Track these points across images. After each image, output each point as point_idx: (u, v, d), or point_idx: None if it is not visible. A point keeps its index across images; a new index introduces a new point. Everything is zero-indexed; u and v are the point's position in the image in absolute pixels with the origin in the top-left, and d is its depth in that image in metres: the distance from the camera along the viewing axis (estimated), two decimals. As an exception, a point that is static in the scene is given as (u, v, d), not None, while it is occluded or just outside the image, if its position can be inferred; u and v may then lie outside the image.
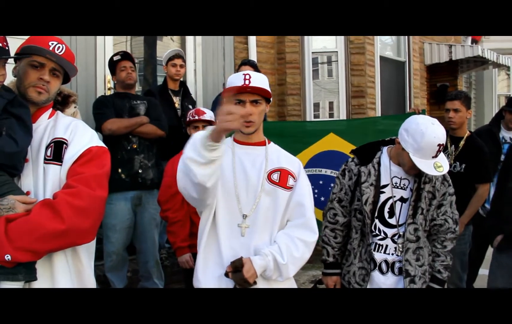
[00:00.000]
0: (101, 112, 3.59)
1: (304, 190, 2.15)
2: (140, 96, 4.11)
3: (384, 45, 7.30)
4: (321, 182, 3.94)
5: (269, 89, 2.12)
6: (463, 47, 8.10)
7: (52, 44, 1.80)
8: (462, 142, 3.61)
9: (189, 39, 5.52)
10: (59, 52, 1.80)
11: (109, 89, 4.64)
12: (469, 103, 3.69)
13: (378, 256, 2.53)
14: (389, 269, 2.52)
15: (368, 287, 2.52)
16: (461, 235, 3.46)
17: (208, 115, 3.34)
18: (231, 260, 2.02)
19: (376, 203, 2.53)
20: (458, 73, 8.85)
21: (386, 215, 2.54)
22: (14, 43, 1.84)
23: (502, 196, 3.18)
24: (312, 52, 6.39)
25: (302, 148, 3.98)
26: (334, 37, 6.38)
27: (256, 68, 4.68)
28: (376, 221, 2.54)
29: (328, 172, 3.93)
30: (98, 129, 3.49)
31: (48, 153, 1.75)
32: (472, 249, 3.79)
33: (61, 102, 2.01)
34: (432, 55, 8.36)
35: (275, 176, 2.13)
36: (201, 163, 1.79)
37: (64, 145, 1.76)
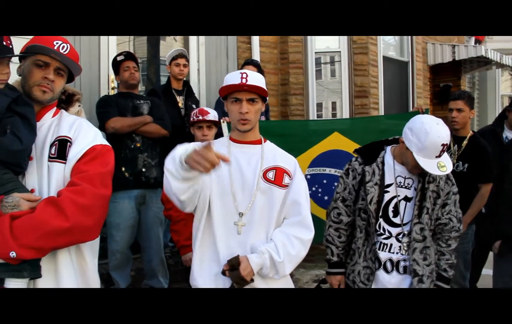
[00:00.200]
0: (104, 111, 3.60)
1: (300, 188, 2.17)
2: (143, 96, 4.12)
3: (387, 45, 7.29)
4: (325, 181, 3.93)
5: (265, 88, 2.15)
6: (466, 47, 8.08)
7: (57, 43, 1.81)
8: (465, 142, 3.61)
9: (193, 38, 5.53)
10: (64, 52, 1.81)
11: (112, 88, 4.66)
12: (472, 103, 3.69)
13: (383, 255, 2.53)
14: (394, 268, 2.52)
15: (373, 286, 2.52)
16: (464, 235, 3.45)
17: (212, 115, 3.35)
18: (227, 258, 2.03)
19: (381, 203, 2.54)
20: (461, 73, 8.83)
21: (391, 214, 2.54)
22: (19, 42, 1.86)
23: (499, 197, 3.19)
24: (315, 52, 6.39)
25: (306, 148, 3.98)
26: (337, 37, 6.38)
27: (259, 68, 4.69)
28: (381, 220, 2.55)
29: (332, 171, 3.93)
30: (101, 127, 3.51)
31: (53, 151, 1.76)
32: (475, 248, 3.78)
33: (66, 101, 2.03)
34: (435, 55, 8.34)
35: (271, 175, 2.14)
36: (177, 178, 1.83)
37: (68, 143, 1.78)
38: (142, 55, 5.37)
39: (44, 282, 1.68)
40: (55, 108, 1.90)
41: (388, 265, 2.53)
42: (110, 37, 4.79)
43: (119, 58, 3.82)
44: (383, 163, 2.58)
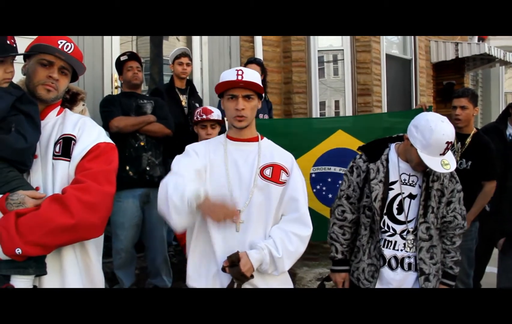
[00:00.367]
0: (108, 110, 3.62)
1: (297, 185, 2.17)
2: (147, 96, 4.14)
3: (390, 43, 7.28)
4: (329, 179, 3.94)
5: (261, 85, 2.16)
6: (469, 45, 8.06)
7: (61, 42, 1.82)
8: (468, 139, 3.61)
9: (195, 38, 5.54)
10: (68, 51, 1.83)
11: (116, 88, 4.68)
12: (476, 100, 3.69)
13: (387, 252, 2.53)
14: (399, 265, 2.52)
15: (377, 283, 2.53)
16: (467, 232, 3.44)
17: (215, 114, 3.35)
18: (225, 256, 2.04)
19: (385, 200, 2.54)
20: (465, 71, 8.80)
21: (395, 211, 2.54)
22: (24, 42, 1.87)
23: (502, 195, 3.19)
24: (318, 51, 6.39)
25: (310, 146, 3.98)
26: (340, 35, 6.39)
27: (262, 66, 4.70)
28: (385, 217, 2.55)
29: (337, 169, 3.93)
30: (105, 126, 3.52)
31: (57, 149, 1.77)
32: (478, 246, 3.78)
33: (70, 100, 2.04)
34: (439, 53, 8.32)
35: (268, 172, 2.15)
36: (180, 214, 1.85)
37: (73, 141, 1.79)
38: (145, 55, 5.38)
39: (50, 278, 1.69)
40: (59, 107, 1.91)
41: (393, 262, 2.53)
42: (113, 37, 4.80)
43: (122, 58, 3.84)
44: (387, 160, 2.58)
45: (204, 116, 3.34)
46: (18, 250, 1.55)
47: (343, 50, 6.44)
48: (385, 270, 2.53)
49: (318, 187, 3.98)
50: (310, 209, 3.84)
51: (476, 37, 9.28)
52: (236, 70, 2.11)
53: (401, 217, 2.54)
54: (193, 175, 2.03)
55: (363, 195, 2.61)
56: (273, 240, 2.07)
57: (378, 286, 2.53)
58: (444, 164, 2.36)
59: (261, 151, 2.19)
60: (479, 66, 9.09)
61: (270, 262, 2.05)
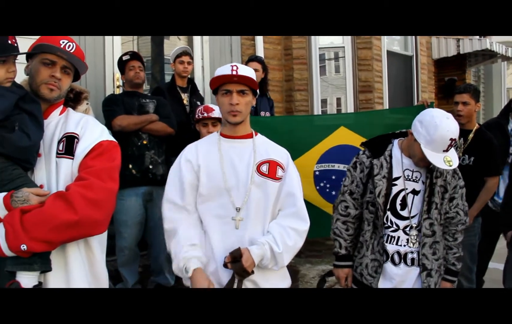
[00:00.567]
0: (111, 109, 3.63)
1: (293, 180, 2.19)
2: (149, 95, 4.15)
3: (391, 40, 7.26)
4: (333, 177, 3.93)
5: (255, 80, 2.16)
6: (471, 41, 8.04)
7: (63, 42, 1.84)
8: (471, 135, 3.60)
9: (196, 36, 5.54)
10: (70, 50, 1.84)
11: (118, 87, 4.69)
12: (478, 96, 3.68)
13: (391, 248, 2.54)
14: (402, 260, 2.53)
15: (380, 278, 2.54)
16: (470, 227, 3.45)
17: (217, 112, 3.36)
18: (224, 254, 2.07)
19: (389, 196, 2.54)
20: (466, 67, 8.79)
21: (398, 207, 2.55)
22: (26, 42, 1.88)
23: (510, 188, 3.18)
24: (319, 48, 6.39)
25: (313, 143, 3.97)
26: (340, 32, 6.37)
27: (263, 64, 4.70)
28: (388, 213, 2.56)
29: (341, 166, 3.91)
30: (108, 125, 3.53)
31: (60, 148, 1.79)
32: (481, 241, 3.78)
33: (74, 99, 2.05)
34: (440, 49, 8.31)
35: (264, 168, 2.17)
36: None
37: (76, 139, 1.80)
38: (146, 54, 5.38)
39: (54, 275, 1.71)
40: (62, 106, 1.93)
41: (396, 257, 2.54)
42: (115, 36, 4.81)
43: (124, 58, 3.86)
44: (390, 156, 2.59)
45: (206, 114, 3.35)
46: (23, 246, 1.57)
47: (344, 47, 6.44)
48: (388, 266, 2.54)
49: (322, 184, 3.97)
50: (314, 207, 3.88)
51: (477, 33, 9.25)
52: (231, 65, 2.12)
53: (404, 213, 2.55)
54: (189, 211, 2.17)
55: (366, 190, 2.62)
56: (272, 235, 2.09)
57: (381, 281, 2.54)
58: (447, 160, 2.37)
59: (257, 148, 2.20)
60: (481, 62, 9.07)
61: (271, 257, 2.07)
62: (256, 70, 4.56)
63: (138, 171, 3.60)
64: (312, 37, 6.28)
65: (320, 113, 6.33)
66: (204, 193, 2.14)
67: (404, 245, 2.54)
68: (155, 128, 3.68)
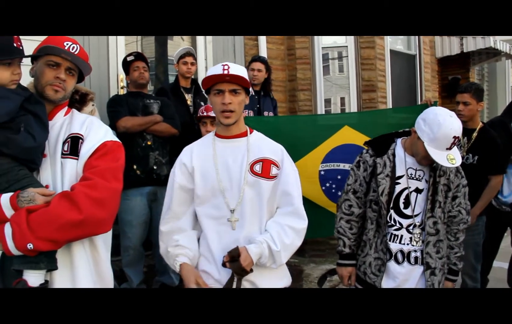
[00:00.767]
0: (115, 110, 3.66)
1: (289, 178, 2.18)
2: (153, 95, 4.17)
3: (394, 39, 7.25)
4: (339, 177, 3.92)
5: (247, 79, 2.16)
6: (474, 39, 8.01)
7: (67, 44, 1.86)
8: (474, 134, 3.59)
9: (200, 37, 5.55)
10: (74, 52, 1.86)
11: (122, 87, 4.71)
12: (480, 95, 3.64)
13: (394, 246, 2.55)
14: (405, 259, 2.54)
15: (384, 277, 2.54)
16: (474, 226, 3.45)
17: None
18: (222, 253, 2.09)
19: (392, 194, 2.55)
20: (470, 65, 8.76)
21: (401, 205, 2.56)
22: (31, 45, 1.90)
23: None
24: (322, 48, 6.39)
25: (318, 143, 3.97)
26: (343, 32, 6.37)
27: (266, 64, 4.71)
28: (392, 211, 2.56)
29: (346, 166, 3.89)
30: (112, 126, 3.55)
31: (65, 148, 1.81)
32: (486, 240, 3.77)
33: (79, 101, 2.08)
34: (443, 48, 8.29)
35: (258, 167, 2.16)
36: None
37: (80, 140, 1.82)
38: (150, 55, 5.40)
39: (60, 273, 1.73)
40: (66, 107, 1.95)
41: (399, 256, 2.54)
42: (119, 37, 4.83)
43: (129, 58, 3.88)
44: (394, 155, 2.60)
45: (205, 113, 3.37)
46: (29, 245, 1.59)
47: (347, 46, 6.44)
48: (392, 264, 2.54)
49: (327, 184, 3.97)
50: (320, 207, 3.88)
51: (481, 31, 9.21)
52: (222, 65, 2.11)
53: (407, 211, 2.55)
54: (183, 209, 2.23)
55: (369, 189, 2.62)
56: (270, 234, 2.10)
57: (384, 279, 2.54)
58: (450, 158, 2.37)
59: (250, 146, 2.19)
60: (484, 60, 9.04)
61: (269, 255, 2.08)
62: (259, 70, 4.60)
63: (142, 172, 3.63)
64: (315, 37, 6.28)
65: (323, 112, 6.34)
66: (200, 195, 2.17)
67: (407, 244, 2.54)
68: (159, 129, 3.70)
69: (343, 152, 3.94)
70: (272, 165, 2.18)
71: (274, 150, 2.23)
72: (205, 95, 2.28)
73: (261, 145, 2.23)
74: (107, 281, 1.89)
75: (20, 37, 1.77)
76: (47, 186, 1.76)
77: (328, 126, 4.17)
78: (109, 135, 1.89)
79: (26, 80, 1.88)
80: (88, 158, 1.79)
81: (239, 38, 5.82)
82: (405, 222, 2.55)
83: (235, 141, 2.21)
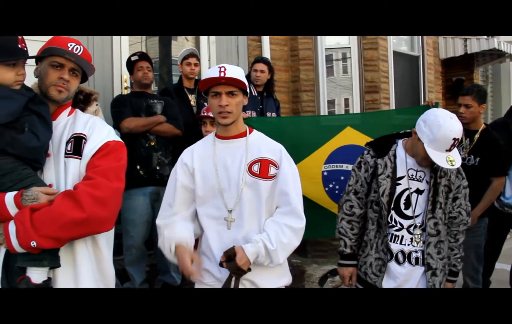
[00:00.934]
0: (119, 110, 3.68)
1: (287, 177, 2.18)
2: (157, 95, 4.19)
3: (398, 40, 7.26)
4: (342, 178, 3.92)
5: (245, 81, 2.16)
6: (478, 40, 8.00)
7: (71, 45, 1.88)
8: (477, 136, 3.58)
9: (203, 38, 5.57)
10: (77, 53, 1.88)
11: (125, 88, 4.74)
12: (483, 97, 3.61)
13: (395, 247, 2.56)
14: (406, 259, 2.54)
15: (384, 277, 2.55)
16: (476, 227, 3.45)
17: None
18: (222, 252, 2.11)
19: (393, 195, 2.56)
20: (474, 67, 8.75)
21: (402, 206, 2.57)
22: (35, 45, 1.93)
23: None
24: (326, 49, 6.40)
25: (320, 143, 3.98)
26: (347, 33, 6.38)
27: (269, 65, 4.73)
28: (392, 212, 2.57)
29: (349, 167, 3.89)
30: (116, 127, 3.58)
31: (69, 148, 1.83)
32: (488, 242, 3.77)
33: (83, 101, 2.10)
34: (447, 49, 8.27)
35: (256, 168, 2.18)
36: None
37: (83, 140, 1.85)
38: (154, 55, 5.42)
39: (63, 270, 1.76)
40: (70, 107, 1.97)
41: (400, 256, 2.55)
42: (123, 37, 4.86)
43: (133, 58, 3.90)
44: (395, 156, 2.60)
45: (205, 113, 3.39)
46: (33, 243, 1.62)
47: (350, 47, 6.45)
48: (392, 265, 2.55)
49: (330, 185, 3.97)
50: (323, 208, 3.88)
51: (485, 33, 9.19)
52: (219, 67, 2.13)
53: (408, 212, 2.56)
54: (181, 201, 2.25)
55: (370, 190, 2.63)
56: (267, 233, 2.11)
57: (385, 280, 2.55)
58: (449, 160, 2.38)
59: (249, 147, 2.21)
60: (488, 62, 9.02)
61: (266, 254, 2.09)
62: (262, 71, 4.62)
63: (145, 172, 3.65)
64: (318, 38, 6.29)
65: (326, 113, 6.34)
66: (200, 195, 2.20)
67: (408, 244, 2.55)
68: (163, 130, 3.72)
69: (346, 153, 3.94)
70: (270, 165, 2.19)
71: (272, 149, 2.24)
72: (204, 96, 2.29)
73: (260, 145, 2.24)
74: (109, 279, 1.92)
75: (25, 37, 1.79)
76: (50, 185, 1.78)
77: (331, 127, 4.18)
78: (112, 135, 1.91)
79: (30, 80, 1.91)
80: (90, 157, 1.81)
81: (242, 39, 5.84)
82: (406, 223, 2.56)
83: (234, 142, 2.23)
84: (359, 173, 2.68)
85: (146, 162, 3.67)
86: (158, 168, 3.68)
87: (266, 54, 5.91)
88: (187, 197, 2.24)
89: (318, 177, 3.98)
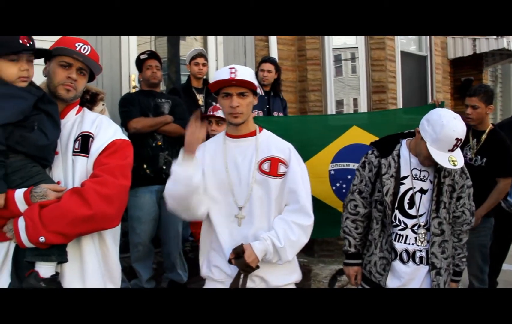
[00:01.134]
0: (127, 109, 3.72)
1: (295, 176, 2.21)
2: (165, 94, 4.22)
3: (407, 40, 7.24)
4: (349, 177, 3.91)
5: (255, 82, 2.19)
6: (487, 40, 7.94)
7: (79, 45, 1.92)
8: (484, 136, 3.56)
9: (211, 38, 5.61)
10: (85, 53, 1.92)
11: (133, 87, 4.78)
12: (490, 98, 3.60)
13: (399, 246, 2.56)
14: (410, 259, 2.55)
15: (389, 276, 2.56)
16: (481, 227, 3.45)
17: (222, 111, 3.42)
18: (231, 249, 2.14)
19: (396, 194, 2.56)
20: (483, 67, 8.69)
21: (406, 206, 2.57)
22: (45, 45, 1.96)
23: None
24: (333, 49, 6.41)
25: (327, 142, 3.97)
26: (354, 33, 6.37)
27: (276, 65, 4.75)
28: (396, 212, 2.58)
29: (356, 166, 3.93)
30: (123, 126, 3.63)
31: (76, 146, 1.88)
32: (494, 243, 3.75)
33: (90, 100, 2.14)
34: (456, 49, 8.23)
35: (266, 166, 2.21)
36: (180, 183, 2.10)
37: (91, 138, 1.89)
38: (163, 55, 5.45)
39: (70, 265, 1.80)
40: (78, 106, 2.01)
41: (404, 255, 2.56)
42: (131, 37, 4.90)
43: (142, 57, 3.93)
44: (398, 155, 2.61)
45: (211, 113, 3.42)
46: (41, 238, 1.66)
47: (357, 47, 6.45)
48: (397, 264, 2.56)
49: (338, 185, 3.97)
50: (330, 207, 3.89)
51: (494, 32, 9.12)
52: (230, 68, 2.16)
53: (412, 211, 2.57)
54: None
55: (374, 189, 2.64)
56: (275, 231, 2.14)
57: (389, 279, 2.56)
58: (452, 160, 2.38)
59: (259, 145, 2.24)
60: (498, 62, 8.95)
61: (274, 252, 2.12)
62: (269, 71, 4.64)
63: (152, 171, 3.68)
64: (326, 38, 6.30)
65: (334, 113, 6.34)
66: (211, 193, 2.22)
67: (412, 244, 2.56)
68: (170, 130, 3.75)
69: (353, 152, 3.93)
70: (280, 163, 2.22)
71: (282, 148, 2.27)
72: (215, 96, 2.32)
73: (270, 143, 2.28)
74: (116, 275, 1.96)
75: (34, 37, 1.82)
76: (58, 182, 1.82)
77: (337, 126, 4.17)
78: (118, 134, 1.95)
79: (39, 79, 1.95)
80: (98, 155, 1.85)
81: (250, 39, 5.87)
82: (410, 222, 2.57)
83: (245, 141, 2.26)
84: (363, 173, 2.70)
85: (153, 161, 3.70)
86: (164, 167, 3.71)
87: (274, 54, 5.93)
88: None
89: (325, 176, 3.98)
